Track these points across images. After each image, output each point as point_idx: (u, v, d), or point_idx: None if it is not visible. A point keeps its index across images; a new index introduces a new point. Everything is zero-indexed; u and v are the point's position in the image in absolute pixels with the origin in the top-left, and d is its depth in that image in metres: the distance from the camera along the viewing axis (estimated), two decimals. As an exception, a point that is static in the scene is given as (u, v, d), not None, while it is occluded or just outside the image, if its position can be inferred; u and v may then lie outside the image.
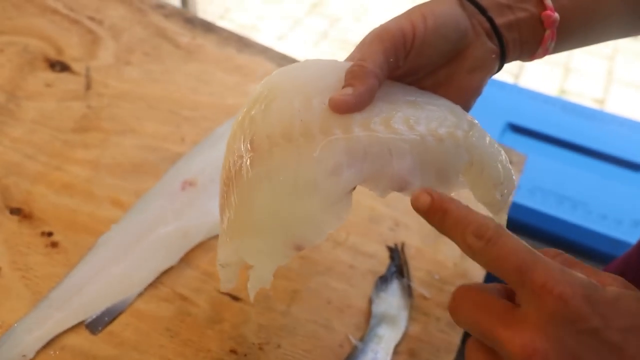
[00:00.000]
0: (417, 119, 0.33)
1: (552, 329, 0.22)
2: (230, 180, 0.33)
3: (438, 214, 0.27)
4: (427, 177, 0.32)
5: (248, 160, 0.32)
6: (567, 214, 0.95)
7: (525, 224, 0.97)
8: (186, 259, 0.58)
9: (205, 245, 0.59)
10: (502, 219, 0.42)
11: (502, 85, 1.29)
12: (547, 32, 0.38)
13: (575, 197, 0.98)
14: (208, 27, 0.84)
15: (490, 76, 0.39)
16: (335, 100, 0.32)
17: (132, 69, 0.78)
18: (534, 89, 1.30)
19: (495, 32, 0.38)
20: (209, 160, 0.65)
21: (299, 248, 0.31)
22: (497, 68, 0.39)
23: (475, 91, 0.39)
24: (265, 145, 0.31)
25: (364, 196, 0.54)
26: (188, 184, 0.63)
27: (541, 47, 0.39)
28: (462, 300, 0.25)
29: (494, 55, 0.38)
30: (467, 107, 0.39)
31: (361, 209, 0.63)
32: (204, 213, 0.61)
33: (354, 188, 0.32)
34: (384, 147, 0.31)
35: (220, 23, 2.09)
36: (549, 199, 0.97)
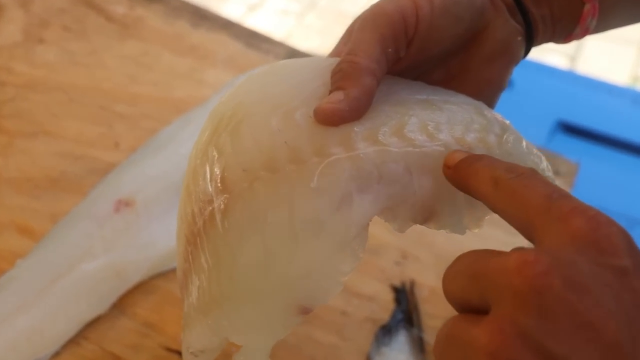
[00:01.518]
0: (437, 124, 0.35)
1: (569, 250, 0.24)
2: (197, 236, 0.34)
3: (470, 159, 0.31)
4: (456, 201, 0.34)
5: (221, 205, 0.33)
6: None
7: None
8: (120, 306, 0.59)
9: (146, 286, 0.60)
10: None
11: (552, 71, 1.33)
12: (587, 7, 0.39)
13: (647, 219, 1.00)
14: (151, -6, 0.87)
15: (516, 64, 0.40)
16: (323, 110, 0.33)
17: (47, 49, 0.78)
18: (596, 76, 1.34)
19: (520, 7, 0.39)
20: (151, 172, 0.66)
21: (305, 311, 0.32)
22: (523, 53, 0.41)
23: (498, 84, 0.40)
24: (242, 182, 0.32)
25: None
26: (123, 204, 0.64)
27: (579, 26, 0.40)
28: (458, 260, 0.28)
29: (519, 37, 0.40)
30: (490, 106, 0.40)
31: None
32: (145, 244, 0.62)
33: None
34: (401, 164, 0.33)
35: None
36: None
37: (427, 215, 0.33)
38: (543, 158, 0.40)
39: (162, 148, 0.69)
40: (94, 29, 0.83)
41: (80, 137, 0.72)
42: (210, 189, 0.33)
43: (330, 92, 0.34)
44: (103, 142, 0.71)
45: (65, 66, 0.78)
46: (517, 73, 1.31)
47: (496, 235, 0.55)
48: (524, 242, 0.45)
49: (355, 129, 0.33)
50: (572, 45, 2.13)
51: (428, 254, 0.66)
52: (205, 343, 0.34)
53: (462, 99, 0.38)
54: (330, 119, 0.33)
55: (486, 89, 0.40)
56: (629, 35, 2.25)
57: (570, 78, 1.34)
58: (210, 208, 0.33)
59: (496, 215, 0.36)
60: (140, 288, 0.60)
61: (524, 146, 0.38)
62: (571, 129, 1.20)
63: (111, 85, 0.77)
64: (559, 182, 0.73)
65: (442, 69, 0.40)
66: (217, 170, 0.33)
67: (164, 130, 0.72)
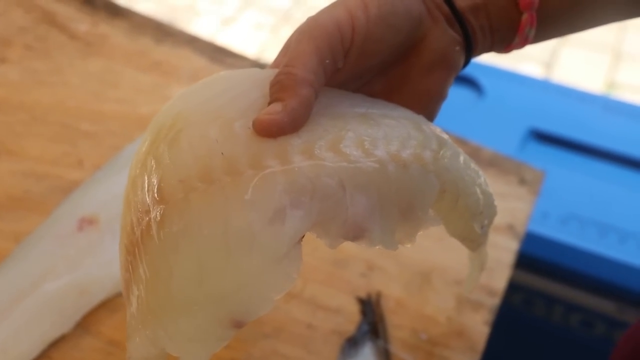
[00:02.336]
0: (373, 140, 0.35)
1: None
2: (136, 246, 0.34)
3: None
4: (389, 218, 0.34)
5: (157, 216, 0.33)
6: (605, 247, 0.98)
7: (545, 261, 1.00)
8: (84, 324, 0.59)
9: (110, 305, 0.61)
10: (483, 256, 0.46)
11: (523, 79, 1.35)
12: (525, 16, 0.40)
13: (620, 227, 1.02)
14: (115, 11, 0.87)
15: (456, 73, 0.41)
16: (261, 122, 0.33)
17: (10, 68, 0.80)
18: (569, 84, 1.36)
19: (457, 17, 0.40)
20: (115, 190, 0.67)
21: (238, 325, 0.32)
22: (463, 62, 0.41)
23: (439, 94, 0.41)
24: (178, 193, 0.32)
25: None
26: (87, 223, 0.65)
27: (518, 36, 0.41)
28: None
29: (457, 47, 0.40)
30: (430, 116, 0.41)
31: (322, 248, 0.66)
32: (108, 261, 0.62)
33: (303, 236, 0.33)
34: (334, 179, 0.33)
35: (142, 6, 2.13)
36: (584, 229, 1.02)
37: (358, 233, 0.33)
38: (480, 173, 0.40)
39: (126, 165, 0.68)
40: (57, 47, 0.83)
41: (44, 155, 0.72)
42: (148, 200, 0.33)
43: (269, 103, 0.34)
44: (67, 161, 0.72)
45: (28, 85, 0.79)
46: (489, 81, 1.34)
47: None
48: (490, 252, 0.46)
49: (292, 141, 0.33)
50: (547, 53, 2.17)
51: (394, 265, 0.67)
52: (144, 353, 0.34)
53: (402, 112, 0.38)
54: (268, 130, 0.33)
55: (426, 99, 0.40)
56: (605, 41, 2.29)
57: (542, 86, 1.37)
58: (147, 219, 0.33)
59: (434, 229, 0.39)
60: (105, 306, 0.60)
61: (462, 161, 0.38)
62: (543, 137, 1.23)
63: (75, 103, 0.78)
64: (524, 190, 0.76)
65: (382, 80, 0.40)
66: (154, 181, 0.33)
67: (128, 147, 0.72)
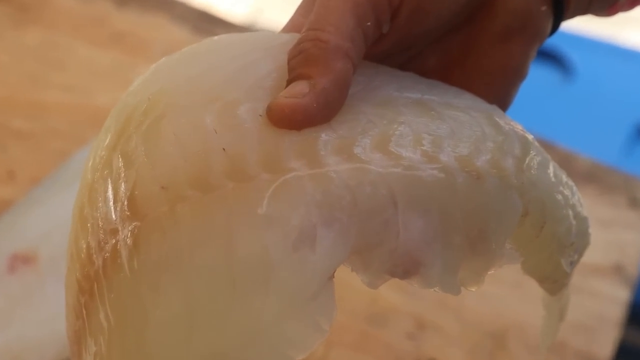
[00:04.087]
0: (436, 139, 0.35)
1: None
2: (94, 281, 0.34)
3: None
4: (453, 249, 0.35)
5: (129, 237, 0.33)
6: None
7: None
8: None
9: (55, 376, 0.60)
10: (564, 301, 0.45)
11: (631, 55, 1.33)
12: None
13: None
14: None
15: (540, 44, 0.41)
16: (280, 107, 0.33)
17: None
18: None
19: None
20: (61, 214, 0.65)
21: None
22: (549, 29, 0.41)
23: (515, 73, 0.41)
24: (160, 205, 0.33)
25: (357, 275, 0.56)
26: (21, 261, 0.65)
27: None
28: None
29: (543, 7, 0.40)
30: (503, 104, 0.41)
31: (351, 296, 0.65)
32: (51, 316, 0.62)
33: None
34: (383, 191, 0.33)
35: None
36: None
37: (410, 267, 0.34)
38: (574, 189, 0.41)
39: (75, 179, 0.67)
40: (-19, 13, 0.84)
41: (-41, 164, 0.72)
42: (114, 215, 0.33)
43: (288, 81, 0.34)
44: (-8, 172, 0.72)
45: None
46: (581, 57, 1.31)
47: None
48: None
49: (324, 136, 0.34)
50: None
51: (453, 321, 0.66)
52: None
53: (469, 100, 0.39)
54: (291, 119, 0.33)
55: (498, 78, 0.41)
56: None
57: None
58: (114, 241, 0.33)
59: (507, 270, 0.38)
60: (47, 378, 0.60)
61: (551, 173, 0.39)
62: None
63: (5, 90, 0.78)
64: (635, 215, 0.74)
65: (439, 53, 0.41)
66: (123, 188, 0.33)
67: (79, 154, 0.71)
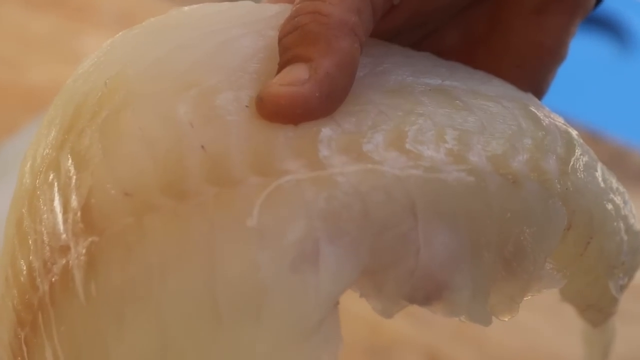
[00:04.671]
0: (463, 134, 0.35)
1: None
2: (39, 311, 0.33)
3: None
4: (484, 269, 0.34)
5: (83, 256, 0.31)
6: None
7: None
8: None
9: None
10: (609, 334, 0.44)
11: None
12: None
13: None
14: None
15: (584, 16, 0.41)
16: (274, 97, 0.32)
17: None
18: None
19: None
20: None
21: None
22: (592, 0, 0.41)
23: (552, 53, 0.41)
24: (123, 215, 0.31)
25: (356, 299, 0.54)
26: None
27: None
28: None
29: None
30: (539, 91, 0.41)
31: (352, 325, 0.62)
32: None
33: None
34: (400, 198, 0.32)
35: None
36: None
37: (432, 291, 0.33)
38: (627, 197, 0.40)
39: (3, 175, 0.67)
40: None
41: None
42: (64, 228, 0.32)
43: (281, 64, 0.33)
44: None
45: None
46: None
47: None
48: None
49: (326, 131, 0.33)
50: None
51: (473, 356, 0.65)
52: None
53: (500, 88, 0.38)
54: (288, 113, 0.32)
55: (532, 60, 0.41)
56: None
57: None
58: (64, 261, 0.32)
59: (540, 297, 0.37)
60: None
61: (599, 178, 0.38)
62: None
63: None
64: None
65: (460, 29, 0.41)
66: (75, 195, 0.32)
67: (8, 144, 0.69)
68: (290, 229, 0.31)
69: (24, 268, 0.34)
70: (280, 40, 0.34)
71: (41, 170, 0.35)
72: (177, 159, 0.31)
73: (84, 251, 0.31)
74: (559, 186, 0.36)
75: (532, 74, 0.41)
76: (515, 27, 0.41)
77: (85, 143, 0.33)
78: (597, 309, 0.42)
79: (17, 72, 0.76)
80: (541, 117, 0.37)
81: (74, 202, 0.32)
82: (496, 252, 0.34)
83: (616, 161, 0.76)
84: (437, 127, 0.34)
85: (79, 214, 0.32)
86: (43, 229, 0.33)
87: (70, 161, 0.33)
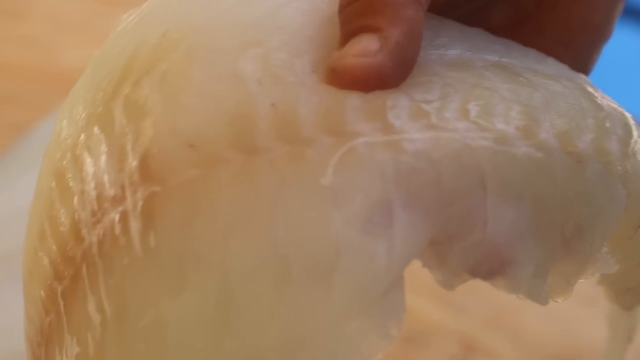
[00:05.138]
0: (530, 110, 0.34)
1: None
2: (82, 263, 0.32)
3: None
4: (546, 246, 0.33)
5: (141, 207, 0.31)
6: None
7: None
8: None
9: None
10: (636, 319, 0.44)
11: None
12: None
13: None
14: None
15: None
16: (349, 70, 0.32)
17: None
18: None
19: None
20: (18, 202, 0.62)
21: None
22: None
23: (599, 30, 0.41)
24: (187, 166, 0.31)
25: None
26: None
27: None
28: None
29: None
30: (585, 70, 0.40)
31: None
32: (7, 327, 0.57)
33: None
34: (472, 169, 0.32)
35: None
36: None
37: (496, 265, 0.32)
38: None
39: (37, 158, 0.65)
40: None
41: None
42: (117, 178, 0.31)
43: (347, 34, 0.33)
44: None
45: None
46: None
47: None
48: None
49: (395, 97, 0.32)
50: None
51: (509, 343, 0.64)
52: None
53: (555, 67, 0.38)
54: (362, 83, 0.32)
55: (579, 37, 0.40)
56: None
57: None
58: (118, 212, 0.31)
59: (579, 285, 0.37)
60: None
61: None
62: None
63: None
64: None
65: (508, 5, 0.41)
66: (132, 144, 0.31)
67: (41, 127, 0.69)
68: (365, 190, 0.30)
69: (66, 220, 0.33)
70: (342, 9, 0.34)
71: (86, 122, 0.34)
72: (246, 115, 0.31)
73: (141, 201, 0.31)
74: (620, 168, 0.35)
75: (578, 52, 0.41)
76: (563, 3, 0.40)
77: (144, 93, 0.32)
78: (635, 293, 0.42)
79: (50, 54, 0.75)
80: (599, 98, 0.37)
81: (132, 151, 0.32)
82: (557, 230, 0.34)
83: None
84: (505, 102, 0.34)
85: (137, 163, 0.31)
86: (92, 180, 0.32)
87: (125, 111, 0.33)
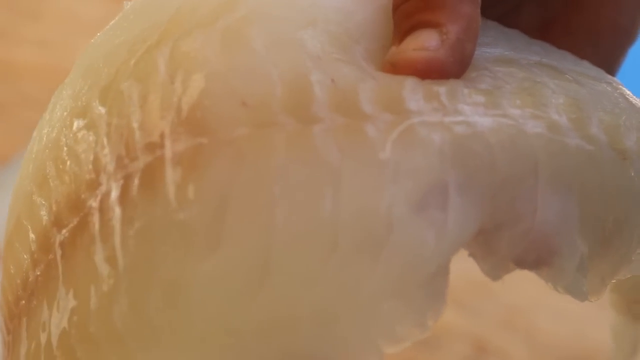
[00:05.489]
0: (581, 104, 0.35)
1: None
2: (98, 210, 0.31)
3: None
4: (590, 239, 0.33)
5: (184, 154, 0.30)
6: None
7: None
8: None
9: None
10: None
11: None
12: None
13: None
14: None
15: None
16: (411, 64, 0.32)
17: None
18: None
19: None
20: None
21: None
22: None
23: (626, 32, 0.41)
24: (238, 124, 0.30)
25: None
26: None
27: None
28: None
29: None
30: (612, 72, 0.40)
31: None
32: None
33: None
34: (526, 155, 0.32)
35: None
36: None
37: (544, 255, 0.32)
38: None
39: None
40: None
41: None
42: (158, 124, 0.31)
43: (405, 30, 0.33)
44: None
45: None
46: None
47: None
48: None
49: (452, 82, 0.33)
50: None
51: (522, 344, 0.64)
52: None
53: (593, 70, 0.38)
54: (425, 75, 0.32)
55: (608, 39, 0.41)
56: None
57: None
58: (152, 158, 0.31)
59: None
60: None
61: None
62: None
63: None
64: None
65: (537, 8, 0.41)
66: (180, 94, 0.31)
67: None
68: (423, 168, 0.30)
69: (77, 164, 0.33)
70: (398, 6, 0.34)
71: (124, 67, 0.33)
72: (305, 85, 0.31)
73: (184, 151, 0.30)
74: None
75: (606, 53, 0.41)
76: (592, 4, 0.41)
77: (196, 45, 0.32)
78: None
79: (65, 55, 0.75)
80: (631, 100, 0.38)
81: (179, 100, 0.31)
82: (599, 225, 0.34)
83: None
84: (556, 94, 0.35)
85: (185, 112, 0.31)
86: (125, 123, 0.32)
87: (171, 61, 0.32)
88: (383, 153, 0.30)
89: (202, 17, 0.33)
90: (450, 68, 0.33)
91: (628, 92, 0.38)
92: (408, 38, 0.33)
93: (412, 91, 0.32)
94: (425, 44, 0.33)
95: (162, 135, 0.31)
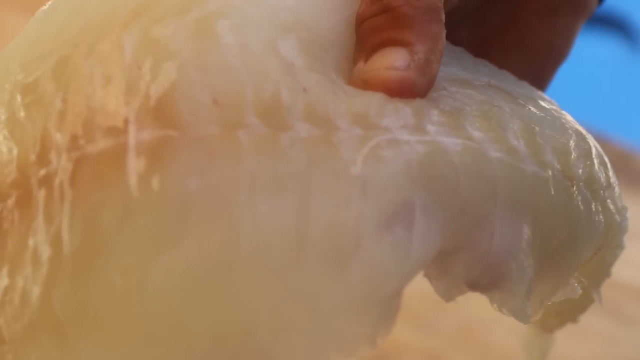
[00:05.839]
0: (534, 130, 0.35)
1: None
2: (42, 187, 0.31)
3: None
4: (537, 262, 0.34)
5: (150, 145, 0.29)
6: None
7: None
8: None
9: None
10: (550, 341, 0.46)
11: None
12: None
13: None
14: None
15: (587, 17, 0.42)
16: (383, 82, 0.32)
17: None
18: None
19: None
20: None
21: None
22: (595, 1, 0.41)
23: (559, 50, 0.42)
24: (209, 122, 0.30)
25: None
26: None
27: None
28: None
29: None
30: (541, 88, 0.42)
31: None
32: None
33: None
34: (488, 179, 0.32)
35: None
36: None
37: (497, 278, 0.33)
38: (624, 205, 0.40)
39: None
40: None
41: None
42: (121, 109, 0.30)
43: (373, 46, 0.33)
44: None
45: None
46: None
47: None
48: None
49: (419, 101, 0.33)
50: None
51: (477, 359, 0.64)
52: None
53: (533, 92, 0.39)
54: (396, 94, 0.32)
55: (541, 57, 0.42)
56: None
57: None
58: (111, 143, 0.30)
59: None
60: None
61: (616, 192, 0.39)
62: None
63: None
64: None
65: (476, 24, 0.42)
66: (148, 82, 0.30)
67: None
68: (391, 187, 0.30)
69: (28, 134, 0.32)
70: (364, 20, 0.33)
71: (84, 43, 0.32)
72: (277, 91, 0.31)
73: (150, 141, 0.30)
74: (602, 197, 0.37)
75: (538, 72, 0.42)
76: (531, 26, 0.42)
77: (167, 33, 0.31)
78: (563, 318, 0.43)
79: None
80: (577, 127, 0.38)
81: (147, 88, 0.30)
82: (545, 249, 0.34)
83: (621, 164, 0.76)
84: (513, 119, 0.34)
85: (153, 101, 0.30)
86: (83, 101, 0.31)
87: (140, 45, 0.31)
88: (354, 168, 0.30)
89: (174, 4, 0.32)
90: (420, 87, 0.33)
91: (569, 116, 0.39)
92: (376, 55, 0.33)
93: (381, 108, 0.32)
94: (395, 63, 0.32)
95: (126, 121, 0.30)
